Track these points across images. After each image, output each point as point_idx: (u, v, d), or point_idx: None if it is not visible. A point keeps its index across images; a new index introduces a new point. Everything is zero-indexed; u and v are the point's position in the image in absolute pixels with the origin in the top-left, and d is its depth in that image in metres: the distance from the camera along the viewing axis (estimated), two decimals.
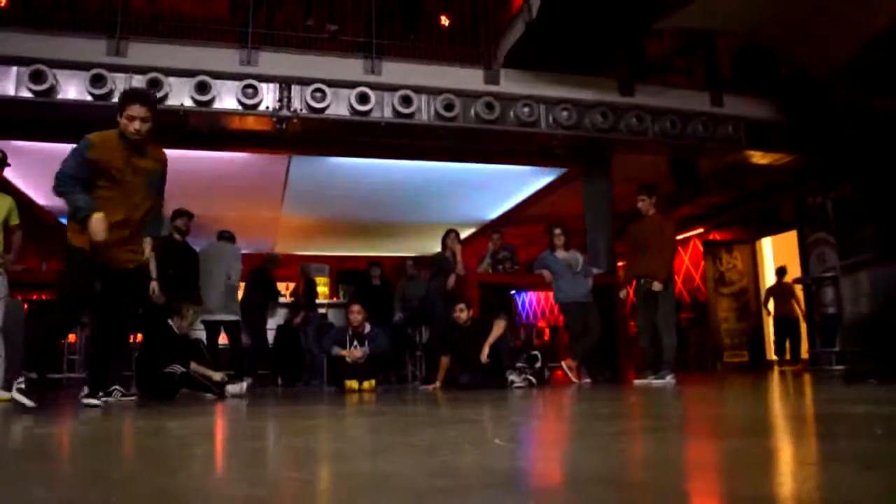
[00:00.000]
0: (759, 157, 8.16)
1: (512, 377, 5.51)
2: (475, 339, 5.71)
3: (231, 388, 5.10)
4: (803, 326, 8.94)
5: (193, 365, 5.00)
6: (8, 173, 5.14)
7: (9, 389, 4.57)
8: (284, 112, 6.55)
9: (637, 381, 5.67)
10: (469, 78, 7.14)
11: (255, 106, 6.48)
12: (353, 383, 5.68)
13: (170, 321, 5.23)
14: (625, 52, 7.35)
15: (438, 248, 7.28)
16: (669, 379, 5.46)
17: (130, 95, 3.93)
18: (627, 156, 7.95)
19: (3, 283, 4.67)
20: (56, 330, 3.84)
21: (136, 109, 3.78)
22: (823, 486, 1.15)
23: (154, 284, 5.02)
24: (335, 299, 9.67)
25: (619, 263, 7.93)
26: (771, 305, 9.17)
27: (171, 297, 5.54)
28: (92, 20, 6.47)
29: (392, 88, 6.80)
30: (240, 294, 6.85)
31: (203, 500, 1.18)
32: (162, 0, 7.72)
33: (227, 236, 6.79)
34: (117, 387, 4.64)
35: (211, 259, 6.42)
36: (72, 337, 7.07)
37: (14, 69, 6.02)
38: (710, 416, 2.79)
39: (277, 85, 6.61)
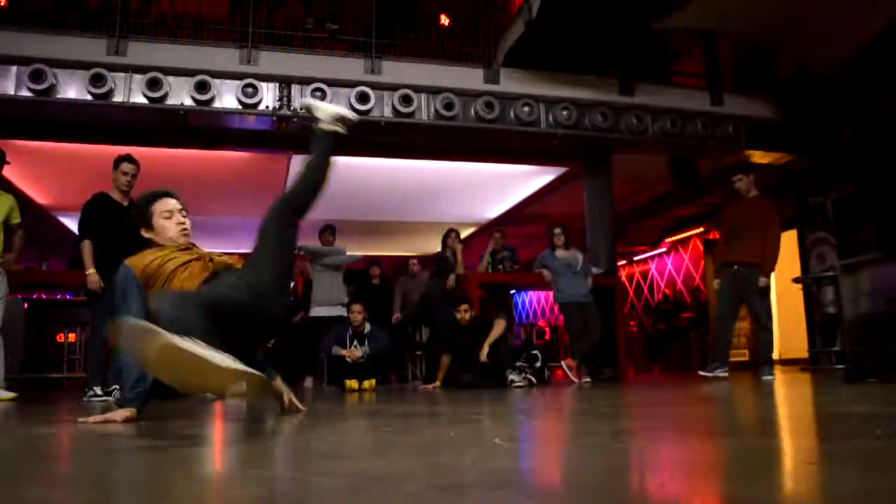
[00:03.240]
0: (759, 157, 8.16)
1: (512, 377, 5.51)
2: (475, 339, 5.72)
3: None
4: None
5: None
6: (8, 172, 5.14)
7: (8, 388, 4.59)
8: (284, 111, 6.55)
9: (702, 372, 5.59)
10: (469, 77, 7.14)
11: (255, 105, 6.48)
12: (353, 383, 5.69)
13: None
14: (625, 51, 7.35)
15: (439, 248, 7.28)
16: (770, 376, 5.40)
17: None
18: (627, 156, 7.95)
19: (2, 283, 4.67)
20: None
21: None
22: (823, 486, 1.15)
23: None
24: None
25: (620, 263, 7.92)
26: None
27: None
28: (92, 19, 6.47)
29: (392, 88, 6.80)
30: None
31: (203, 499, 1.18)
32: None
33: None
34: (117, 386, 4.63)
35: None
36: (72, 336, 7.08)
37: (14, 68, 6.02)
38: (710, 415, 2.79)
39: (277, 84, 6.61)
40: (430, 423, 2.62)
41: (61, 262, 9.89)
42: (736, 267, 5.64)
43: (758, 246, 5.57)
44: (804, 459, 1.49)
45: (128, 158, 4.85)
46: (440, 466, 1.43)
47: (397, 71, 6.97)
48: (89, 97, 6.11)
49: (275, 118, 6.56)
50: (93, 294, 4.68)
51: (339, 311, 6.68)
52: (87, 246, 4.64)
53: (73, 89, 6.14)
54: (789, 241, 9.55)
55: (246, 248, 7.71)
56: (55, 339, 6.93)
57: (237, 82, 6.47)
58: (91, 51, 6.23)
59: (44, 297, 7.58)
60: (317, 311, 6.85)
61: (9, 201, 4.78)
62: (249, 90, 6.44)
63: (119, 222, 4.77)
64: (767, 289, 5.68)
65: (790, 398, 3.73)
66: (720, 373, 5.53)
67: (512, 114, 7.07)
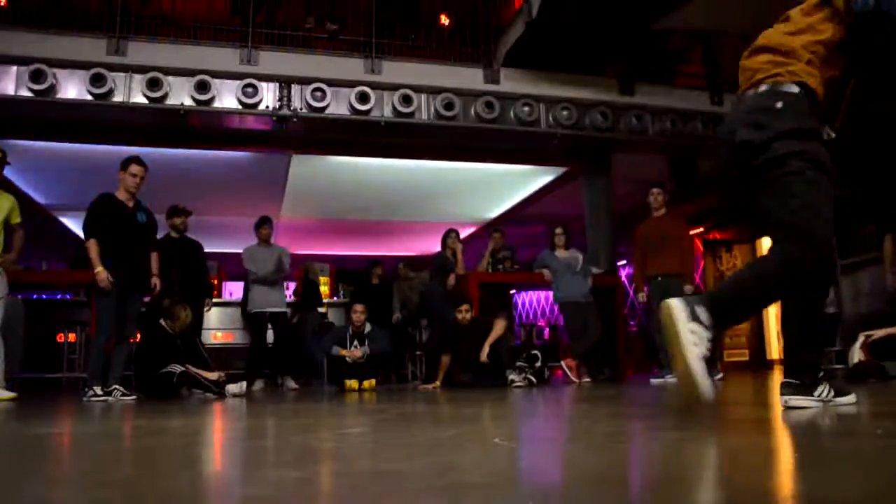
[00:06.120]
0: None
1: (512, 376, 5.51)
2: (475, 339, 5.71)
3: (231, 388, 5.10)
4: None
5: (188, 367, 5.01)
6: (8, 172, 5.14)
7: (8, 388, 4.59)
8: (284, 111, 6.56)
9: (654, 381, 5.60)
10: (469, 77, 7.14)
11: (256, 105, 6.48)
12: (353, 383, 5.68)
13: (161, 321, 5.25)
14: (625, 51, 7.35)
15: (438, 248, 7.28)
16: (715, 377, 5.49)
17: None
18: (627, 156, 7.95)
19: (2, 283, 4.67)
20: None
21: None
22: (823, 486, 1.15)
23: (155, 279, 4.99)
24: (335, 299, 9.66)
25: (620, 263, 7.92)
26: None
27: (184, 293, 5.60)
28: (92, 19, 6.48)
29: (392, 88, 6.81)
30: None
31: (203, 500, 1.18)
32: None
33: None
34: (117, 386, 4.64)
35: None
36: (72, 336, 7.07)
37: (14, 68, 6.03)
38: (709, 415, 2.79)
39: (277, 84, 6.62)
40: (430, 423, 2.62)
41: (61, 262, 9.89)
42: (660, 278, 5.86)
43: (676, 257, 5.85)
44: (804, 459, 1.49)
45: (137, 160, 4.83)
46: (440, 466, 1.43)
47: (397, 71, 6.97)
48: (89, 97, 6.11)
49: (275, 118, 6.56)
50: (101, 292, 4.68)
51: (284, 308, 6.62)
52: (94, 244, 4.63)
53: (73, 89, 6.14)
54: None
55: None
56: (55, 339, 6.92)
57: (237, 82, 6.47)
58: (91, 51, 6.24)
59: (44, 297, 7.58)
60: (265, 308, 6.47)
61: (9, 201, 4.77)
62: (249, 90, 6.44)
63: (124, 223, 4.77)
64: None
65: None
66: (670, 378, 5.57)
67: (512, 114, 7.07)
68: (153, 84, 6.21)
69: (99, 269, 4.57)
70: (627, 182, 8.98)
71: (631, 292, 13.37)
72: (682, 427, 2.19)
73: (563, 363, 6.36)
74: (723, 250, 10.47)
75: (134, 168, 4.80)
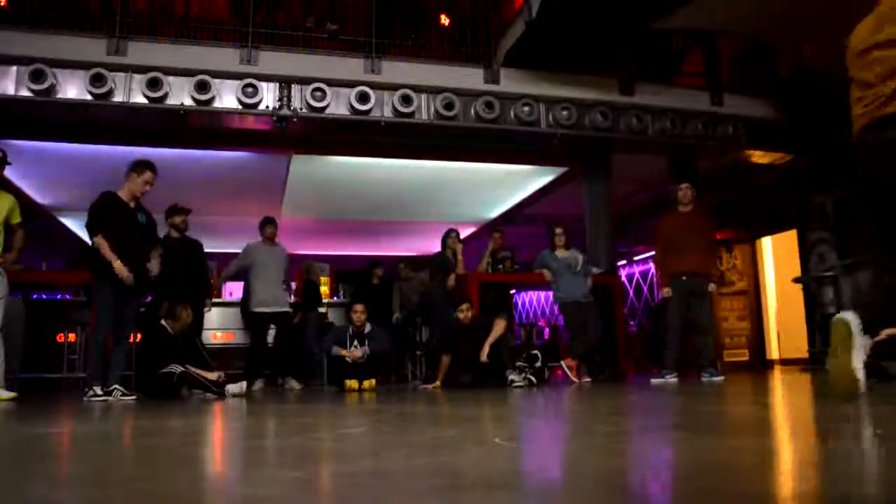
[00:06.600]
0: (759, 157, 8.15)
1: (512, 376, 5.51)
2: (475, 339, 5.71)
3: (231, 388, 5.10)
4: None
5: (189, 367, 5.01)
6: (8, 172, 5.14)
7: (8, 388, 4.59)
8: (284, 111, 6.55)
9: (655, 381, 5.55)
10: (469, 77, 7.14)
11: (255, 105, 6.48)
12: (353, 383, 5.68)
13: (163, 322, 5.25)
14: (625, 51, 7.34)
15: (438, 248, 7.28)
16: (717, 378, 5.52)
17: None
18: (627, 156, 7.95)
19: (2, 283, 4.66)
20: None
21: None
22: (823, 485, 1.15)
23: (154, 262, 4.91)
24: (335, 299, 9.65)
25: (620, 263, 7.91)
26: None
27: (186, 293, 5.58)
28: (92, 19, 6.48)
29: (392, 88, 6.80)
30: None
31: (203, 500, 1.18)
32: None
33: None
34: (117, 386, 4.64)
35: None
36: (72, 336, 7.07)
37: (14, 68, 6.02)
38: (710, 414, 2.79)
39: (277, 84, 6.61)
40: (430, 423, 2.62)
41: (61, 262, 9.89)
42: (685, 278, 5.74)
43: (702, 256, 5.77)
44: (804, 459, 1.49)
45: (152, 168, 4.81)
46: (440, 466, 1.43)
47: (397, 71, 6.96)
48: (89, 97, 6.11)
49: (275, 118, 6.56)
50: (100, 290, 4.66)
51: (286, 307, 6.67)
52: (102, 240, 4.59)
53: (73, 89, 6.13)
54: (789, 241, 9.55)
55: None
56: (55, 339, 6.91)
57: (237, 82, 6.46)
58: (91, 51, 6.23)
59: (44, 297, 7.57)
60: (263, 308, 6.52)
61: (9, 201, 4.77)
62: (249, 90, 6.43)
63: (126, 222, 4.75)
64: (710, 294, 5.86)
65: (790, 398, 3.73)
66: (671, 378, 5.57)
67: (512, 114, 7.07)
68: (153, 84, 6.21)
69: (117, 263, 4.56)
70: (627, 182, 8.98)
71: (631, 292, 13.43)
72: (683, 427, 2.19)
73: (563, 363, 6.36)
74: (723, 250, 10.46)
75: (149, 175, 4.77)
